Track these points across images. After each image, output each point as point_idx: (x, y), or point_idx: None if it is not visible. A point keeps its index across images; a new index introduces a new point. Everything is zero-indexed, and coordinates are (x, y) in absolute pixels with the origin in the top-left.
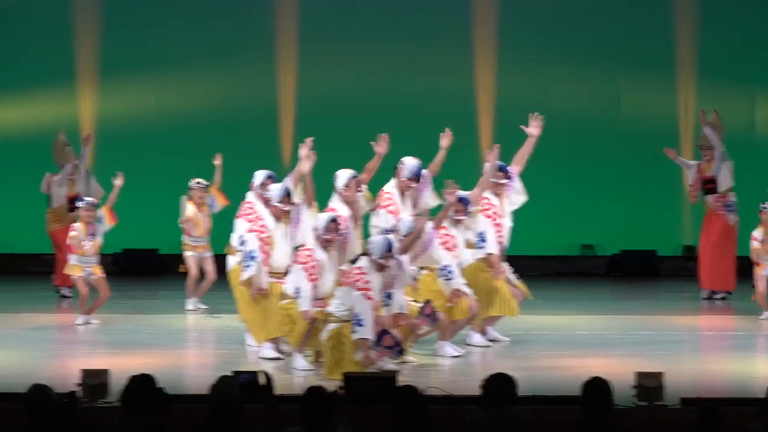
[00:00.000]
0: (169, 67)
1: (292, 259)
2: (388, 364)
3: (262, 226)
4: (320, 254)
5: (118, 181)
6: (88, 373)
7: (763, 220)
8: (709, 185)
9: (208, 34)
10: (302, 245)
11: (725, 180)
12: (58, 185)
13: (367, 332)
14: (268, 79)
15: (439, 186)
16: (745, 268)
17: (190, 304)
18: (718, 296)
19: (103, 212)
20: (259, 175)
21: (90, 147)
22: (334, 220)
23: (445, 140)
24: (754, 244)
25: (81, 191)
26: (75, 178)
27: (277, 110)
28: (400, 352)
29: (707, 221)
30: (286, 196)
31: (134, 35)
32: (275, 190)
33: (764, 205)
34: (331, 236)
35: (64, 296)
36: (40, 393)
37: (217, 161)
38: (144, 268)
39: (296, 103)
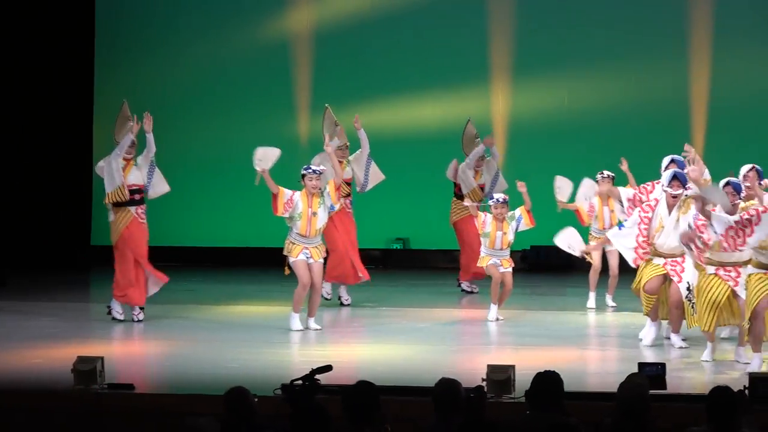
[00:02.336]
0: (582, 65)
1: None
2: None
3: None
4: None
5: (522, 189)
6: (493, 369)
7: None
8: None
9: (620, 34)
10: None
11: None
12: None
13: None
14: (680, 76)
15: None
16: None
17: (592, 300)
18: None
19: (522, 213)
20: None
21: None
22: None
23: None
24: None
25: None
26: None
27: (689, 107)
28: None
29: None
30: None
31: (546, 36)
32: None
33: None
34: None
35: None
36: (448, 388)
37: (624, 166)
38: (552, 264)
39: (709, 99)
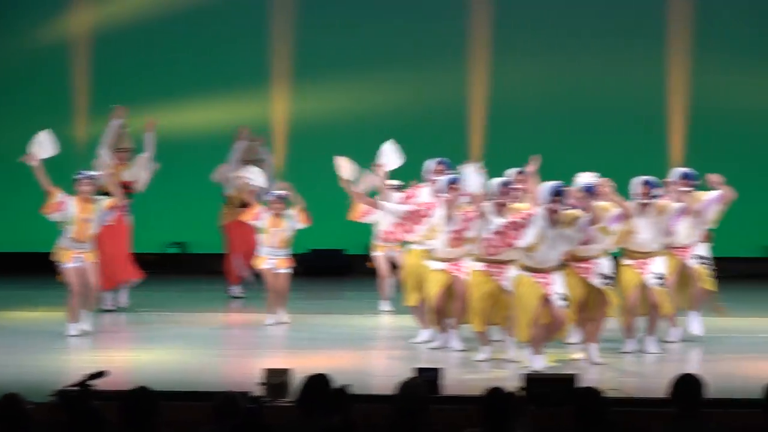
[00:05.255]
0: (362, 69)
1: None
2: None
3: None
4: None
5: (288, 190)
6: (269, 373)
7: None
8: None
9: (399, 37)
10: None
11: None
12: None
13: None
14: (458, 81)
15: None
16: None
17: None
18: None
19: (295, 211)
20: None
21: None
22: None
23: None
24: None
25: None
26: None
27: (466, 111)
28: None
29: None
30: None
31: (327, 39)
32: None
33: None
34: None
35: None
36: (227, 398)
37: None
38: (331, 268)
39: (487, 105)
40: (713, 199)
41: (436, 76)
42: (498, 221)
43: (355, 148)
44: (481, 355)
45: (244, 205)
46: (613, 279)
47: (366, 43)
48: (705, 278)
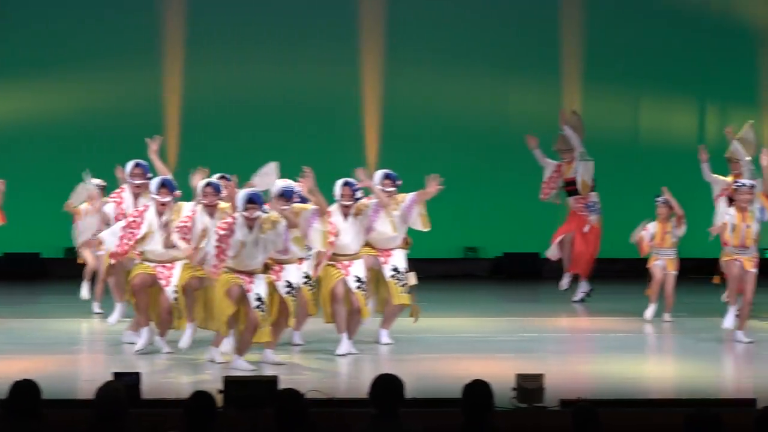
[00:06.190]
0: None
1: None
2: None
3: None
4: None
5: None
6: None
7: (658, 213)
8: (570, 187)
9: (91, 35)
10: None
11: (585, 181)
12: None
13: None
14: (154, 81)
15: None
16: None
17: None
18: (578, 290)
19: None
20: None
21: None
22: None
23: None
24: (644, 234)
25: None
26: None
27: (162, 112)
28: None
29: (569, 221)
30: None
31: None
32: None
33: (659, 199)
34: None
35: None
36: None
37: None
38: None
39: (182, 105)
40: (411, 201)
41: (130, 77)
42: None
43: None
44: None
45: None
46: (310, 279)
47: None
48: (397, 294)
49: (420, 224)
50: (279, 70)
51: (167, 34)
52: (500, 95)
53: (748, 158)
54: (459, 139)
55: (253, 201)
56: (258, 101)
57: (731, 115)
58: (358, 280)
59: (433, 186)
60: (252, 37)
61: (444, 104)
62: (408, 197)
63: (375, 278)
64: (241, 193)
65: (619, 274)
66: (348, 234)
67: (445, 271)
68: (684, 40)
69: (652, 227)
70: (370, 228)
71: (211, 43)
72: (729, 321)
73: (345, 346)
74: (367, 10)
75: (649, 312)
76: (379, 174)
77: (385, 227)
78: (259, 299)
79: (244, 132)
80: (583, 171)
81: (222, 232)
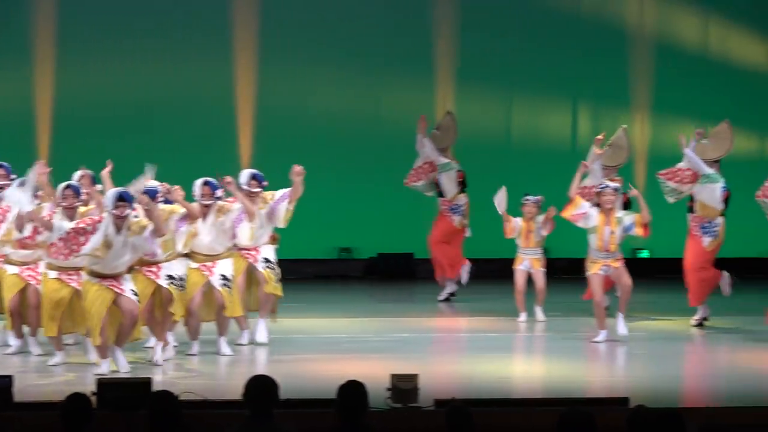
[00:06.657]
0: None
1: None
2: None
3: None
4: None
5: None
6: None
7: (525, 212)
8: (438, 188)
9: None
10: None
11: (448, 190)
12: None
13: None
14: (24, 81)
15: None
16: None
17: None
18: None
19: None
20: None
21: None
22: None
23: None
24: (513, 225)
25: None
26: None
27: (34, 115)
28: None
29: (436, 222)
30: None
31: None
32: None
33: (527, 198)
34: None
35: None
36: None
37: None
38: None
39: (53, 106)
40: (281, 197)
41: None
42: (65, 226)
43: None
44: (54, 360)
45: None
46: (183, 281)
47: None
48: (271, 283)
49: (281, 221)
50: (152, 69)
51: (38, 33)
52: (374, 95)
53: (616, 164)
54: (333, 140)
55: (124, 199)
56: (131, 100)
57: (603, 115)
58: (224, 277)
59: (296, 176)
60: (125, 36)
61: (318, 104)
62: (278, 194)
63: (249, 277)
64: (111, 191)
65: (493, 274)
66: (208, 234)
67: (320, 272)
68: (557, 40)
69: (520, 221)
70: (234, 234)
71: (83, 42)
72: (622, 327)
73: (196, 347)
74: (240, 9)
75: (521, 317)
76: (245, 174)
77: (244, 234)
78: (134, 293)
79: (115, 132)
80: (445, 181)
81: (83, 225)
